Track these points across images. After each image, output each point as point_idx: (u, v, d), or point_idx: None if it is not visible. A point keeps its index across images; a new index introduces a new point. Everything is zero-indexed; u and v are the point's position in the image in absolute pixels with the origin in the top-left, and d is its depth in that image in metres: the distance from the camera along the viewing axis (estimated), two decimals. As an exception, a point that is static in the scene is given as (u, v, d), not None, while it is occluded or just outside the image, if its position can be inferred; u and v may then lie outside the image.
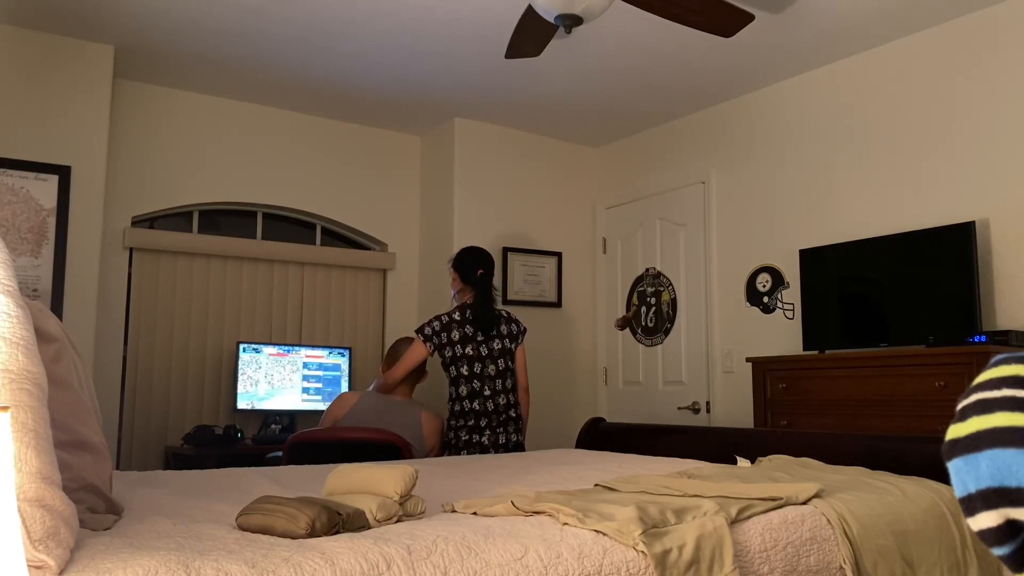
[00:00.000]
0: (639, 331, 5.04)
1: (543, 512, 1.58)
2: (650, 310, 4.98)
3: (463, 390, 3.59)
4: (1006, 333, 3.05)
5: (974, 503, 0.65)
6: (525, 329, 3.76)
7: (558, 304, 5.16)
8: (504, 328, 3.66)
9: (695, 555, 1.47)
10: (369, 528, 1.44)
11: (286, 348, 4.47)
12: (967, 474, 0.65)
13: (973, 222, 3.27)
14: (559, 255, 5.19)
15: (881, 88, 3.83)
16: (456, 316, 3.62)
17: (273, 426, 4.34)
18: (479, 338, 3.60)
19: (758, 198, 4.37)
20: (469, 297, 3.69)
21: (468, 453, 3.54)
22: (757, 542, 1.62)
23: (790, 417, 3.56)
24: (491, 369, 3.59)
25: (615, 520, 1.50)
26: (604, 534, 1.47)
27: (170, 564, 1.11)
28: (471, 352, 3.58)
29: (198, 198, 4.48)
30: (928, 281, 3.38)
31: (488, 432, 3.55)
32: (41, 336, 1.32)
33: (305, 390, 4.48)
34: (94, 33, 3.78)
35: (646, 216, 5.05)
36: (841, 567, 1.71)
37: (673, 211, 4.87)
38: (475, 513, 1.63)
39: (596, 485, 2.04)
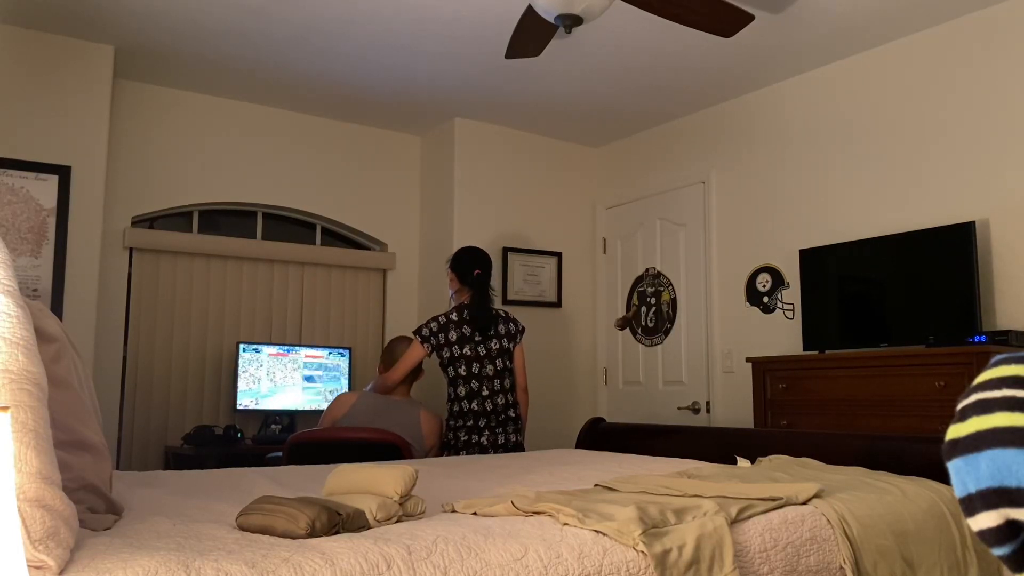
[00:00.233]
0: (639, 331, 5.04)
1: (543, 512, 1.58)
2: (650, 310, 4.98)
3: (461, 390, 3.59)
4: (1006, 333, 3.05)
5: (974, 503, 0.65)
6: (523, 328, 3.75)
7: (558, 304, 5.16)
8: (502, 328, 3.66)
9: (695, 555, 1.47)
10: (369, 528, 1.44)
11: (286, 348, 4.47)
12: (967, 474, 0.65)
13: (973, 222, 3.27)
14: (559, 255, 5.19)
15: (881, 88, 3.83)
16: (454, 316, 3.62)
17: (273, 426, 4.34)
18: (477, 338, 3.60)
19: (758, 198, 4.37)
20: (467, 297, 3.69)
21: (467, 453, 3.54)
22: (757, 542, 1.62)
23: (790, 417, 3.56)
24: (489, 369, 3.59)
25: (615, 520, 1.50)
26: (604, 534, 1.47)
27: (170, 564, 1.11)
28: (469, 352, 3.58)
29: (198, 198, 4.48)
30: (928, 281, 3.38)
31: (487, 432, 3.55)
32: (41, 336, 1.32)
33: (306, 390, 4.49)
34: (94, 33, 3.78)
35: (646, 216, 5.05)
36: (841, 567, 1.71)
37: (673, 211, 4.87)
38: (475, 513, 1.63)
39: (596, 485, 2.04)
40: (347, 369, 4.63)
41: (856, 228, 3.87)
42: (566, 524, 1.51)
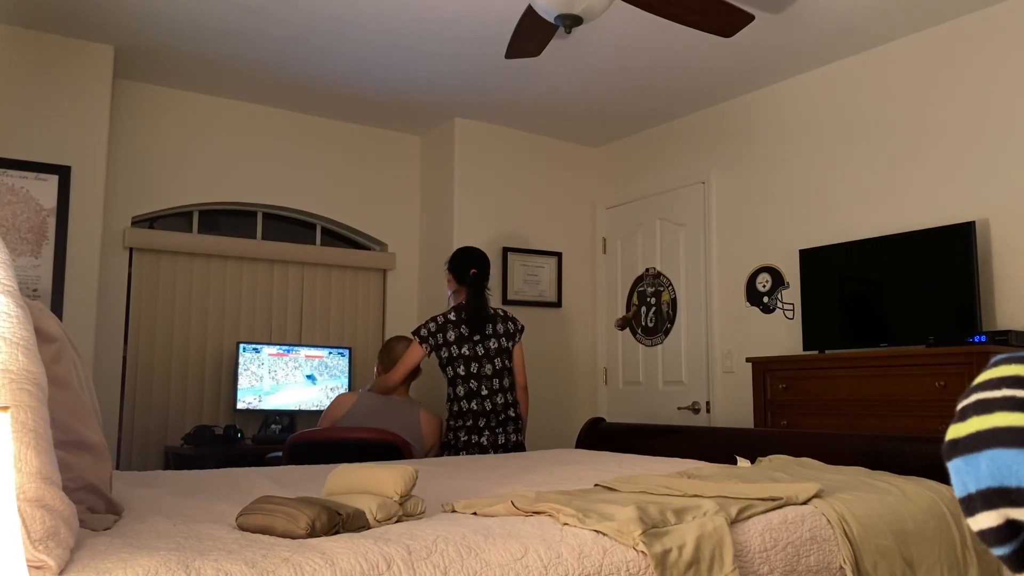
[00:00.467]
0: (639, 331, 5.04)
1: (543, 512, 1.58)
2: (650, 310, 4.98)
3: (460, 390, 3.59)
4: (1006, 333, 3.05)
5: (974, 503, 0.65)
6: (523, 327, 3.75)
7: (558, 304, 5.16)
8: (500, 327, 3.66)
9: (695, 555, 1.47)
10: (369, 528, 1.44)
11: (286, 348, 4.47)
12: (967, 474, 0.65)
13: (973, 222, 3.27)
14: (559, 255, 5.19)
15: (881, 88, 3.83)
16: (452, 316, 3.63)
17: (273, 426, 4.34)
18: (475, 338, 3.60)
19: (758, 198, 4.37)
20: (464, 297, 3.70)
21: (467, 454, 3.54)
22: (757, 542, 1.62)
23: (790, 417, 3.56)
24: (488, 369, 3.59)
25: (615, 520, 1.50)
26: (604, 534, 1.47)
27: (170, 564, 1.11)
28: (467, 352, 3.59)
29: (198, 198, 4.48)
30: (928, 281, 3.38)
31: (487, 433, 3.55)
32: (41, 336, 1.32)
33: (308, 387, 4.49)
34: (94, 33, 3.78)
35: (646, 216, 5.05)
36: (841, 567, 1.71)
37: (673, 211, 4.87)
38: (475, 513, 1.63)
39: (596, 485, 2.04)
40: (347, 369, 4.64)
41: (856, 228, 3.87)
42: (566, 524, 1.51)
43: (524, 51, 3.15)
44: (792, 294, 4.13)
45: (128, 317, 4.26)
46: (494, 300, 4.79)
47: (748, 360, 3.78)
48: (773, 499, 1.78)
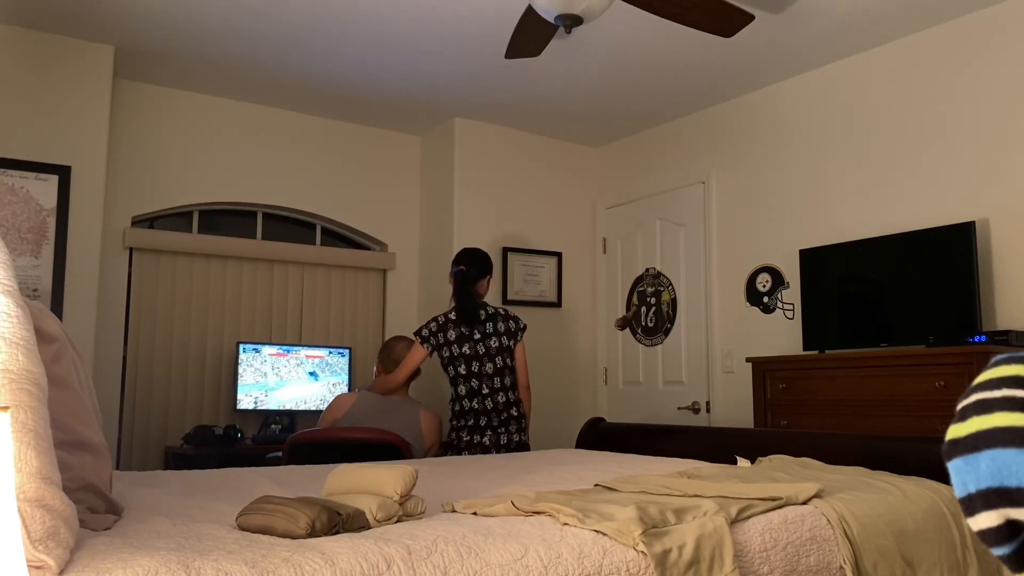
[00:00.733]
0: (639, 331, 5.04)
1: (543, 512, 1.58)
2: (650, 310, 4.98)
3: (462, 389, 3.61)
4: (1006, 333, 3.05)
5: (974, 503, 0.65)
6: (525, 326, 3.75)
7: (558, 304, 5.16)
8: (501, 325, 3.67)
9: (695, 555, 1.47)
10: (369, 528, 1.44)
11: (286, 348, 4.47)
12: (967, 474, 0.65)
13: (973, 222, 3.27)
14: (559, 255, 5.19)
15: (881, 88, 3.83)
16: (452, 316, 3.65)
17: (273, 426, 4.34)
18: (476, 336, 3.61)
19: (758, 198, 4.37)
20: (475, 296, 3.72)
21: (469, 454, 3.55)
22: (757, 542, 1.62)
23: (790, 417, 3.56)
24: (488, 367, 3.60)
25: (615, 520, 1.50)
26: (604, 534, 1.47)
27: (170, 564, 1.11)
28: (468, 351, 3.60)
29: (198, 198, 4.48)
30: (928, 281, 3.38)
31: (489, 432, 3.56)
32: (41, 336, 1.32)
33: (310, 383, 4.49)
34: (94, 33, 3.78)
35: (646, 216, 5.05)
36: (841, 567, 1.71)
37: (673, 211, 4.87)
38: (475, 513, 1.63)
39: (596, 485, 2.04)
40: (347, 369, 4.64)
41: (856, 228, 3.87)
42: (566, 524, 1.51)
43: (524, 51, 3.15)
44: (792, 294, 4.13)
45: (128, 317, 4.26)
46: (495, 300, 4.79)
47: (748, 360, 3.78)
48: (773, 499, 1.78)
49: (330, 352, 4.60)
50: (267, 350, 4.41)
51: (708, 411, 4.52)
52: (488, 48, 3.91)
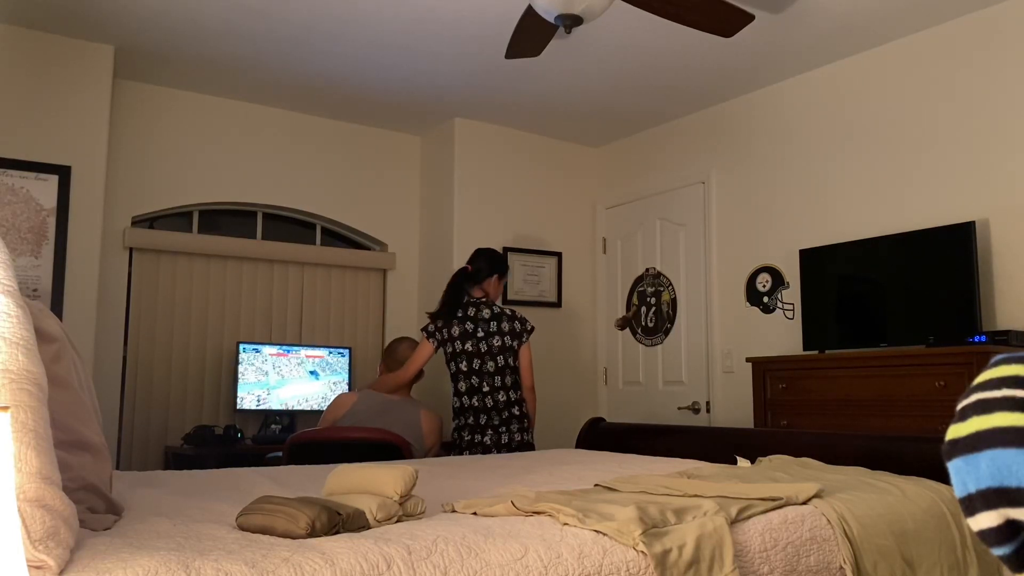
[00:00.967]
0: (639, 331, 5.04)
1: (543, 512, 1.58)
2: (650, 310, 4.98)
3: (462, 386, 3.65)
4: (1006, 333, 3.05)
5: (974, 503, 0.65)
6: (532, 328, 3.77)
7: (558, 304, 5.16)
8: (506, 325, 3.69)
9: (695, 555, 1.47)
10: (369, 528, 1.44)
11: (286, 348, 4.47)
12: (967, 474, 0.65)
13: (973, 222, 3.27)
14: (559, 255, 5.19)
15: (881, 88, 3.83)
16: (459, 313, 3.69)
17: (273, 426, 4.34)
18: (479, 334, 3.65)
19: (758, 198, 4.37)
20: (480, 294, 3.79)
21: (471, 453, 3.57)
22: (757, 542, 1.62)
23: (790, 417, 3.56)
24: (490, 366, 3.63)
25: (615, 520, 1.50)
26: (604, 534, 1.47)
27: (170, 564, 1.11)
28: (471, 348, 3.64)
29: (198, 198, 4.48)
30: (928, 281, 3.38)
31: (490, 432, 3.58)
32: (41, 336, 1.32)
33: (311, 382, 4.49)
34: (94, 33, 3.78)
35: (646, 216, 5.05)
36: (841, 567, 1.71)
37: (673, 211, 4.87)
38: (475, 513, 1.63)
39: (596, 485, 2.04)
40: (347, 369, 4.64)
41: (856, 228, 3.87)
42: (566, 524, 1.51)
43: (524, 51, 3.15)
44: (792, 294, 4.13)
45: (128, 317, 4.26)
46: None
47: (748, 360, 3.78)
48: (773, 499, 1.78)
49: (330, 352, 4.60)
50: (267, 350, 4.41)
51: (708, 411, 4.52)
52: (488, 48, 3.91)
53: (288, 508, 1.37)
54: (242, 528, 1.41)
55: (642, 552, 1.43)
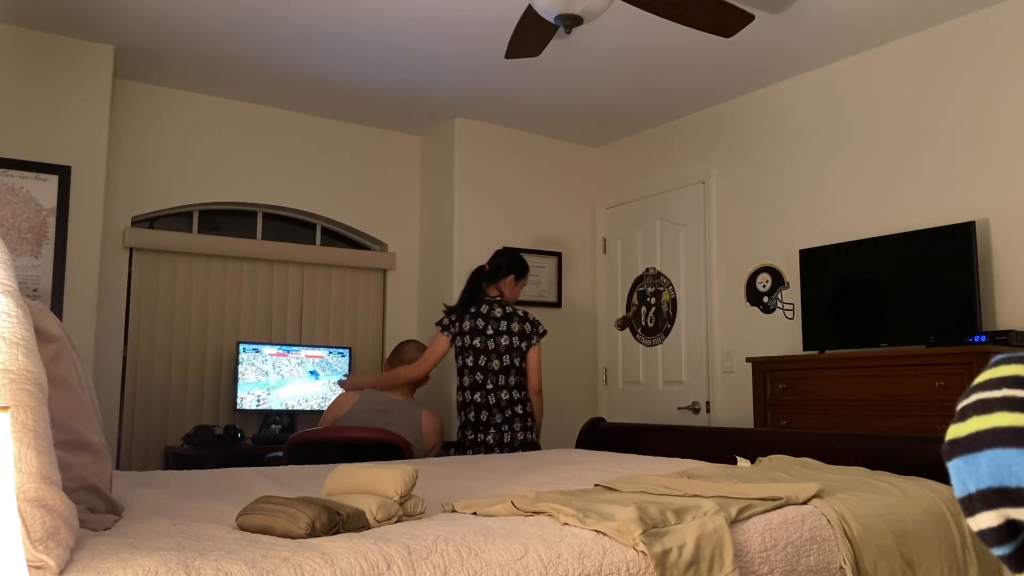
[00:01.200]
0: (639, 331, 5.04)
1: (543, 512, 1.58)
2: (650, 310, 4.98)
3: (466, 381, 3.71)
4: (1006, 333, 3.05)
5: (974, 503, 0.65)
6: (544, 332, 3.80)
7: (558, 304, 5.16)
8: (515, 325, 3.73)
9: (695, 555, 1.47)
10: (369, 528, 1.44)
11: (286, 348, 4.47)
12: (967, 474, 0.65)
13: (973, 222, 3.27)
14: (559, 255, 5.19)
15: (881, 88, 3.83)
16: (471, 309, 3.76)
17: (273, 426, 4.34)
18: (488, 332, 3.70)
19: (758, 198, 4.37)
20: (495, 293, 3.84)
21: (474, 452, 3.62)
22: (757, 542, 1.62)
23: (790, 417, 3.56)
24: (495, 364, 3.68)
25: (615, 520, 1.50)
26: (604, 534, 1.47)
27: (170, 564, 1.11)
28: (478, 344, 3.69)
29: (198, 198, 4.48)
30: (928, 281, 3.38)
31: (493, 430, 3.61)
32: (41, 336, 1.32)
33: (311, 381, 4.49)
34: (94, 33, 3.78)
35: (646, 216, 5.05)
36: (841, 567, 1.71)
37: (673, 211, 4.87)
38: (475, 513, 1.63)
39: (596, 485, 2.04)
40: (347, 369, 4.64)
41: (856, 228, 3.87)
42: (566, 524, 1.51)
43: (524, 51, 3.15)
44: (792, 294, 4.13)
45: (128, 317, 4.26)
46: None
47: (748, 360, 3.78)
48: (773, 499, 1.78)
49: (330, 352, 4.61)
50: (267, 350, 4.41)
51: (708, 411, 4.52)
52: (488, 48, 3.91)
53: (288, 508, 1.37)
54: (242, 528, 1.41)
55: (642, 552, 1.43)
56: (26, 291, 3.61)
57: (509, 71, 4.20)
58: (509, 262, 3.87)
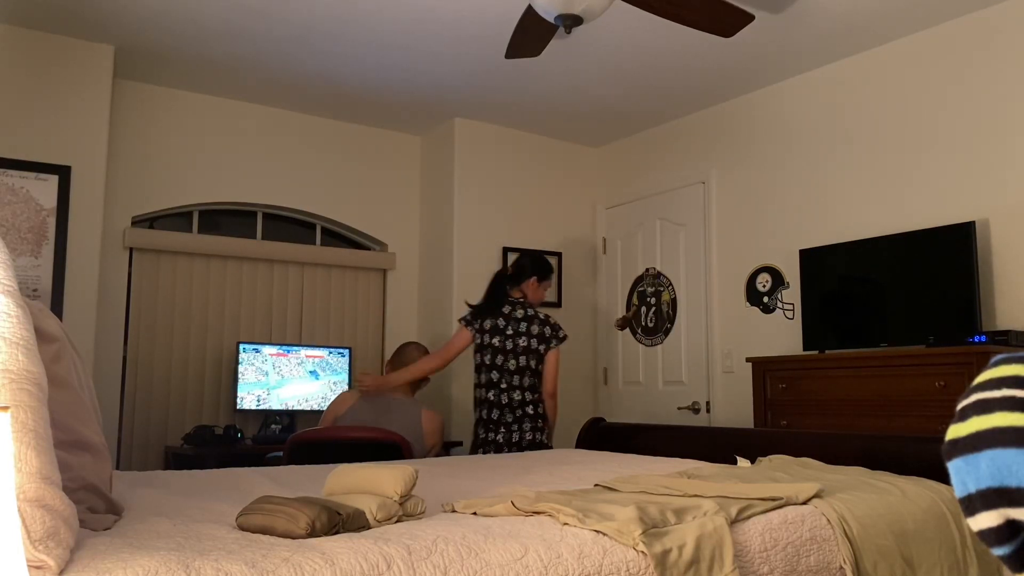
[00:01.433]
0: (639, 331, 5.04)
1: (543, 512, 1.58)
2: (650, 310, 4.97)
3: (482, 378, 3.77)
4: (1006, 333, 3.05)
5: (974, 503, 0.65)
6: (564, 337, 3.84)
7: (558, 304, 5.16)
8: (535, 328, 3.78)
9: (695, 555, 1.47)
10: (369, 528, 1.44)
11: (286, 348, 4.47)
12: (967, 474, 0.65)
13: (973, 222, 3.27)
14: (559, 255, 5.19)
15: (881, 88, 3.83)
16: (494, 309, 3.81)
17: (273, 426, 4.34)
18: (508, 332, 3.75)
19: (758, 198, 4.37)
20: (518, 295, 3.88)
21: (484, 451, 3.69)
22: (757, 542, 1.62)
23: (790, 417, 3.56)
24: (511, 364, 3.72)
25: (615, 520, 1.50)
26: (604, 534, 1.47)
27: (170, 564, 1.11)
28: (497, 343, 3.75)
29: (198, 198, 4.48)
30: (928, 281, 3.38)
31: (503, 429, 3.66)
32: (41, 336, 1.32)
33: (311, 381, 4.49)
34: (94, 33, 3.78)
35: (646, 216, 5.05)
36: (841, 567, 1.71)
37: (673, 211, 4.87)
38: (475, 513, 1.63)
39: (596, 485, 2.04)
40: (347, 369, 4.64)
41: (856, 228, 3.87)
42: (566, 524, 1.51)
43: (524, 51, 3.15)
44: (792, 294, 4.13)
45: (128, 317, 4.26)
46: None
47: (748, 360, 3.78)
48: (773, 499, 1.78)
49: (330, 352, 4.61)
50: (267, 350, 4.41)
51: (708, 411, 4.52)
52: (488, 48, 3.91)
53: (288, 508, 1.37)
54: (242, 528, 1.41)
55: (642, 552, 1.43)
56: (26, 291, 3.61)
57: (509, 71, 4.20)
58: (532, 264, 3.92)
